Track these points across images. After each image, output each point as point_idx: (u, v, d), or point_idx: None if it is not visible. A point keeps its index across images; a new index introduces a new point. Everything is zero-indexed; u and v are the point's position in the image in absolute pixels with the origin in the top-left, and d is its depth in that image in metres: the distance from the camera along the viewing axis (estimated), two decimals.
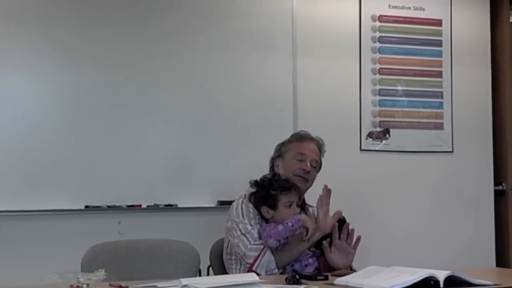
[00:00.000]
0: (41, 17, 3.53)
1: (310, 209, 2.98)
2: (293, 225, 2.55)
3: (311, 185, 2.95)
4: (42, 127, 3.51)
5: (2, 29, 3.47)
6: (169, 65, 3.72)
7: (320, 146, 3.02)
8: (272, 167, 3.00)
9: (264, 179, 2.77)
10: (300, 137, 3.02)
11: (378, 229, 4.08)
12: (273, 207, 2.66)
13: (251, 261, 2.57)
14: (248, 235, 2.64)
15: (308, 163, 2.89)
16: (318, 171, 3.00)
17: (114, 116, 3.62)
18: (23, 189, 3.45)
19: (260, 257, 2.56)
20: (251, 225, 2.68)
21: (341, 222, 2.74)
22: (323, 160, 3.04)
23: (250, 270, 2.54)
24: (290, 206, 2.66)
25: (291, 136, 3.07)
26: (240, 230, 2.67)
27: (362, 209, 4.05)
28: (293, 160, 2.91)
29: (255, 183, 2.77)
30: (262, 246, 2.56)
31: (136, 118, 3.65)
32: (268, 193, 2.67)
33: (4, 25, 3.47)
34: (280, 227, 2.55)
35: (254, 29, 3.87)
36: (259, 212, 2.72)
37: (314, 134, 3.08)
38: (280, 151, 2.99)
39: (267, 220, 2.70)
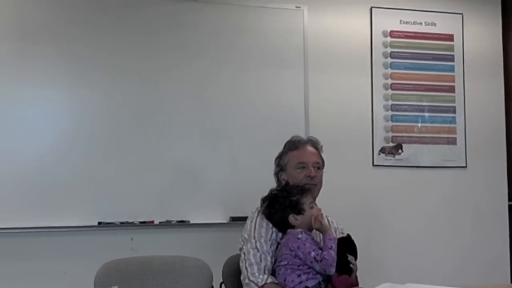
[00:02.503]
0: (56, 34, 3.57)
1: (325, 217, 2.93)
2: (332, 247, 2.54)
3: (321, 186, 2.88)
4: (55, 144, 3.54)
5: (18, 47, 3.52)
6: (181, 81, 3.74)
7: (315, 145, 2.95)
8: (278, 181, 2.95)
9: (277, 190, 2.75)
10: (293, 145, 2.94)
11: (392, 245, 4.06)
12: (301, 211, 2.63)
13: None
14: (247, 263, 2.59)
15: (311, 168, 2.84)
16: (323, 168, 2.93)
17: (126, 132, 3.64)
18: (36, 206, 3.47)
19: None
20: (256, 247, 2.62)
21: (347, 240, 2.72)
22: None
23: None
24: (312, 207, 2.65)
25: (285, 146, 2.98)
26: (245, 254, 2.62)
27: (375, 224, 4.04)
28: (296, 170, 2.85)
29: (271, 197, 2.73)
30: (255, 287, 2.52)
31: (148, 134, 3.67)
32: (291, 201, 2.66)
33: (21, 42, 3.52)
34: (332, 253, 2.53)
35: (265, 45, 3.89)
36: (279, 226, 2.68)
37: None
38: (280, 165, 2.93)
39: (283, 230, 2.66)
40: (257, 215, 2.75)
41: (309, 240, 2.56)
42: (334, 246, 2.54)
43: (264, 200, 2.75)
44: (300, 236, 2.56)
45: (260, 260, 2.59)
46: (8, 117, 3.48)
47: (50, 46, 3.56)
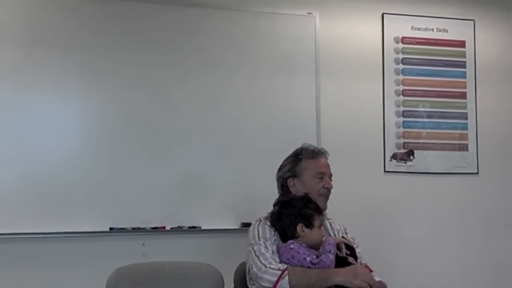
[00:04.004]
0: (68, 41, 3.59)
1: (327, 221, 2.94)
2: (330, 251, 2.55)
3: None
4: (67, 150, 3.55)
5: (31, 53, 3.54)
6: (193, 87, 3.75)
7: (327, 156, 2.95)
8: (283, 187, 2.92)
9: (294, 198, 2.75)
10: (311, 154, 2.91)
11: (403, 251, 4.05)
12: (310, 225, 2.63)
13: (266, 284, 2.49)
14: (261, 257, 2.57)
15: (329, 180, 2.86)
16: None
17: (138, 138, 3.65)
18: (48, 212, 3.48)
19: (279, 281, 2.50)
20: (265, 246, 2.62)
21: (345, 245, 2.72)
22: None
23: None
24: (319, 227, 2.65)
25: (300, 153, 2.95)
26: (254, 252, 2.61)
27: (386, 230, 4.03)
28: (314, 179, 2.84)
29: (288, 200, 2.73)
30: (279, 272, 2.49)
31: (160, 140, 3.68)
32: (306, 212, 2.65)
33: (33, 49, 3.54)
34: (331, 256, 2.53)
35: (277, 51, 3.90)
36: (283, 233, 2.68)
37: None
38: (293, 171, 2.90)
39: (284, 240, 2.66)
40: (258, 224, 2.76)
41: (301, 248, 2.57)
42: (333, 250, 2.55)
43: (277, 203, 2.75)
44: (292, 246, 2.57)
45: (273, 255, 2.59)
46: (19, 123, 3.49)
47: (61, 53, 3.58)
